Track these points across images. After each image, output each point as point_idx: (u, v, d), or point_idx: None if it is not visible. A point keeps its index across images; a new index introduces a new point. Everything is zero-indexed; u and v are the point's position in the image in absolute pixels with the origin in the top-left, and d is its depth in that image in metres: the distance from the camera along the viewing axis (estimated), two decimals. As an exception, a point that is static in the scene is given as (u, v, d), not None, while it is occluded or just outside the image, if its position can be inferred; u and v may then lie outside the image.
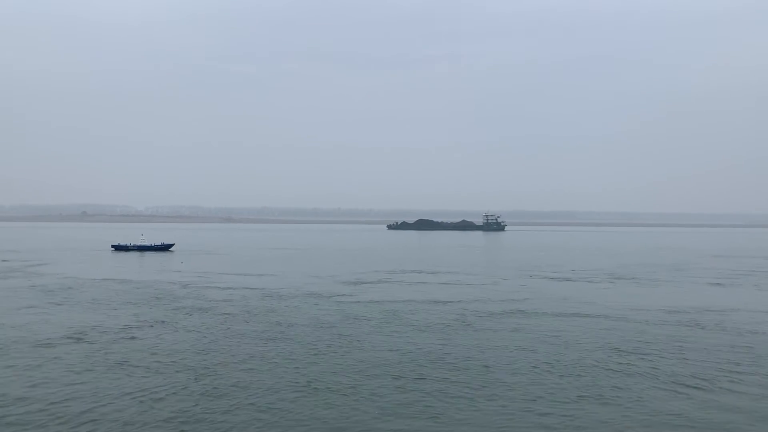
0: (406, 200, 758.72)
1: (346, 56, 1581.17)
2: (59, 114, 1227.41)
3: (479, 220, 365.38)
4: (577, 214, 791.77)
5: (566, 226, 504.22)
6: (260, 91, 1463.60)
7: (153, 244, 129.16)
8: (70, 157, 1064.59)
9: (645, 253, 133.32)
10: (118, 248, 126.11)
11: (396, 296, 55.23)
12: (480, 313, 45.46)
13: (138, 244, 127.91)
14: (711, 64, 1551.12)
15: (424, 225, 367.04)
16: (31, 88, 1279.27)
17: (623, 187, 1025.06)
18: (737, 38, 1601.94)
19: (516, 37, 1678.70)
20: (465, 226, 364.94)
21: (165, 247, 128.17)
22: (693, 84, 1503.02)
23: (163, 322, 41.41)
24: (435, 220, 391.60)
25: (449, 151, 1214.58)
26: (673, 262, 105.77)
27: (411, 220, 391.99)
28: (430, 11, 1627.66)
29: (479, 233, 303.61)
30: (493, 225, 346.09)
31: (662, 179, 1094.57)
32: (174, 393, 25.18)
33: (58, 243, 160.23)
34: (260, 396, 24.80)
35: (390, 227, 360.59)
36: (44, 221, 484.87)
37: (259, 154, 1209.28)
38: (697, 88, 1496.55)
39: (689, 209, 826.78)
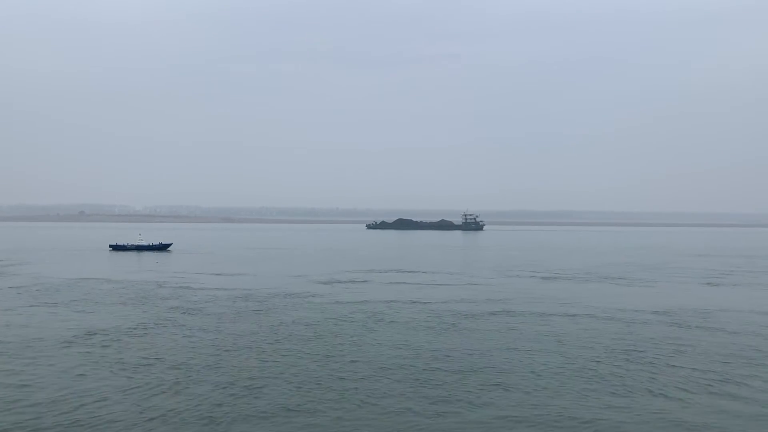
0: (404, 200, 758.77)
1: (346, 56, 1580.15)
2: (58, 113, 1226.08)
3: (458, 220, 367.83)
4: (574, 213, 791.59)
5: (555, 225, 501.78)
6: (259, 91, 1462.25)
7: (151, 244, 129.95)
8: (68, 156, 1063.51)
9: (627, 253, 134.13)
10: (115, 248, 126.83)
11: (382, 297, 55.84)
12: (466, 314, 46.07)
13: (136, 243, 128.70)
14: (710, 63, 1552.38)
15: (403, 225, 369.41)
16: (28, 87, 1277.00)
17: (622, 186, 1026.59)
18: (736, 38, 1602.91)
19: (515, 37, 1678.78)
20: (444, 225, 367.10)
21: (163, 247, 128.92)
22: (692, 83, 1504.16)
23: (149, 322, 41.85)
24: (414, 219, 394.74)
25: (449, 151, 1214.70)
26: (653, 261, 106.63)
27: (390, 219, 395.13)
28: (430, 11, 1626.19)
29: (458, 233, 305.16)
30: (472, 225, 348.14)
31: (661, 178, 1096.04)
32: (164, 394, 26.01)
33: (56, 243, 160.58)
34: (258, 396, 25.37)
35: (369, 227, 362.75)
36: (42, 221, 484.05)
37: (258, 154, 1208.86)
38: (695, 88, 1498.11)
39: (687, 208, 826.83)
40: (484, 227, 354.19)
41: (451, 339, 36.61)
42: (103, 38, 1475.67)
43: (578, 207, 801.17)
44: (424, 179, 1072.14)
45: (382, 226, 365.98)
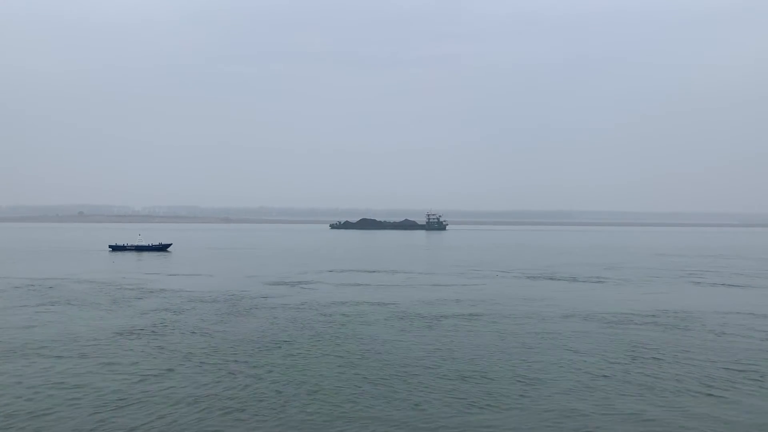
0: (403, 199, 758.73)
1: (345, 57, 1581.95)
2: (57, 113, 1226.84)
3: (422, 220, 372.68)
4: (574, 213, 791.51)
5: (541, 226, 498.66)
6: (259, 91, 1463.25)
7: (150, 245, 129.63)
8: (67, 156, 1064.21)
9: (588, 253, 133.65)
10: (115, 248, 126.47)
11: (360, 299, 54.54)
12: (445, 315, 45.17)
13: (135, 244, 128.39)
14: (710, 63, 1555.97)
15: (366, 224, 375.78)
16: (28, 87, 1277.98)
17: (621, 186, 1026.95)
18: (736, 37, 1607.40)
19: (514, 37, 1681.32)
20: (408, 225, 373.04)
21: (163, 248, 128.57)
22: (691, 83, 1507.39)
23: (122, 324, 41.39)
24: (378, 219, 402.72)
25: (449, 151, 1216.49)
26: (609, 261, 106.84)
27: (354, 219, 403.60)
28: (430, 11, 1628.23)
29: (422, 232, 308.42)
30: (435, 224, 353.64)
31: (661, 177, 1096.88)
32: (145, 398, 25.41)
33: (56, 244, 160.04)
34: (245, 399, 24.99)
35: (333, 226, 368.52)
36: (41, 221, 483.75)
37: (257, 154, 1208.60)
38: (695, 87, 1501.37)
39: (688, 208, 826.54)
40: (447, 227, 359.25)
41: (420, 339, 36.15)
42: (102, 39, 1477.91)
43: (577, 207, 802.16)
44: (424, 179, 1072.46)
45: (346, 225, 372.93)
